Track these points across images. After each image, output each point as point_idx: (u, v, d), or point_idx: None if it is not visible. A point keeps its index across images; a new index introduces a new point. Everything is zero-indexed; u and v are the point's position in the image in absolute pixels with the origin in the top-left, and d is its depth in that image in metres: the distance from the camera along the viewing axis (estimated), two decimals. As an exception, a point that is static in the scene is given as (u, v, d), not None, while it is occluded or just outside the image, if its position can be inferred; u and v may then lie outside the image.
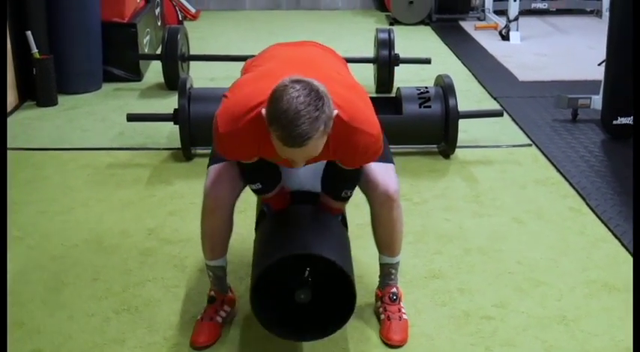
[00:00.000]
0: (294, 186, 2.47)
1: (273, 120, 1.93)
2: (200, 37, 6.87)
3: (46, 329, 2.54)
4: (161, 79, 5.32)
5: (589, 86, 4.89)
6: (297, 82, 1.94)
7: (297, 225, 2.35)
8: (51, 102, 4.98)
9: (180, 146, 3.92)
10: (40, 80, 4.93)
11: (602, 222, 3.31)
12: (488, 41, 7.02)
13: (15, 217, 3.30)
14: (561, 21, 7.99)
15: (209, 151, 2.52)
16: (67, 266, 2.94)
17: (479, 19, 8.03)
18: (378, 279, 2.64)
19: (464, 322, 2.59)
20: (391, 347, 2.46)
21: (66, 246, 3.10)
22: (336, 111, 2.00)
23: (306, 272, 2.26)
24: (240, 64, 2.59)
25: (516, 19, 7.04)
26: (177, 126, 3.87)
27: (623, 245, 3.11)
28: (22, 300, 2.69)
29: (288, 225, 2.37)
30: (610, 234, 3.21)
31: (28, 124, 4.63)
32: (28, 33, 4.86)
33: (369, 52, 5.47)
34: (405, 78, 5.21)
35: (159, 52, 5.55)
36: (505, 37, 7.04)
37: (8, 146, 3.92)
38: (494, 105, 4.95)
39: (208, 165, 2.44)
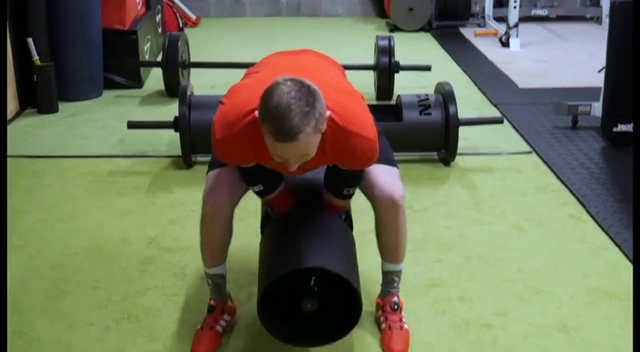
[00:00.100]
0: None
1: (265, 116, 1.94)
2: (201, 43, 6.87)
3: (46, 338, 2.53)
4: (162, 86, 5.32)
5: (589, 93, 4.90)
6: (289, 79, 1.96)
7: (302, 234, 2.35)
8: (52, 109, 4.99)
9: (180, 153, 3.92)
10: (40, 87, 4.93)
11: (603, 229, 3.31)
12: (489, 48, 7.03)
13: (15, 225, 3.30)
14: (561, 28, 8.00)
15: (209, 159, 2.52)
16: (67, 274, 2.94)
17: (479, 25, 8.05)
18: (379, 288, 2.64)
19: (464, 330, 2.59)
20: (392, 356, 2.45)
21: (66, 254, 3.10)
22: (329, 112, 2.01)
23: (312, 282, 2.27)
24: (241, 71, 2.59)
25: (516, 25, 7.05)
26: (178, 133, 3.88)
27: (623, 252, 3.10)
28: (22, 309, 2.69)
29: (293, 234, 2.36)
30: (610, 241, 3.21)
31: (28, 132, 4.63)
32: (29, 40, 4.86)
33: (370, 59, 5.48)
34: (405, 85, 5.22)
35: (159, 59, 5.55)
36: (505, 44, 7.06)
37: (9, 153, 3.93)
38: (494, 112, 4.96)
39: (207, 172, 2.45)
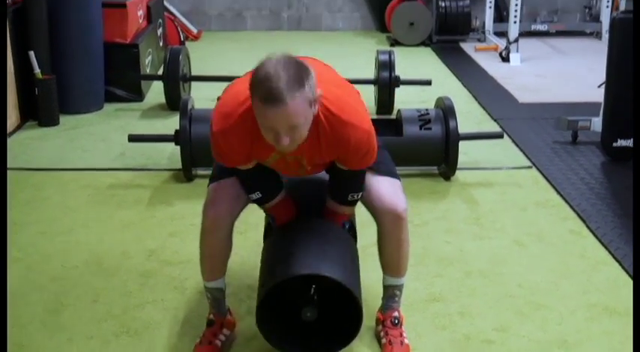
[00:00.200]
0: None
1: (254, 85, 1.97)
2: (202, 57, 6.89)
3: (46, 352, 2.53)
4: (162, 100, 5.33)
5: (589, 108, 4.91)
6: (280, 54, 2.00)
7: (303, 241, 2.34)
8: (52, 122, 5.00)
9: (181, 167, 3.93)
10: (42, 100, 4.95)
11: (603, 244, 3.31)
12: (489, 63, 7.06)
13: (15, 238, 3.30)
14: (561, 43, 8.03)
15: (210, 172, 2.52)
16: (67, 287, 2.93)
17: (479, 40, 8.07)
18: (379, 302, 2.63)
19: (464, 346, 2.58)
20: (392, 371, 2.45)
21: (66, 267, 3.10)
22: (320, 91, 2.04)
23: (312, 290, 2.26)
24: (242, 86, 2.60)
25: (516, 40, 7.08)
26: (179, 146, 3.88)
27: (623, 268, 3.10)
28: (22, 322, 2.68)
29: (294, 241, 2.35)
30: (610, 256, 3.20)
31: (29, 144, 4.64)
32: (31, 53, 4.88)
33: (370, 74, 5.49)
34: (406, 99, 5.23)
35: (160, 72, 5.57)
36: (505, 59, 7.08)
37: (9, 166, 3.93)
38: (494, 127, 4.97)
39: (208, 184, 2.45)
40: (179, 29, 7.60)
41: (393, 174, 2.45)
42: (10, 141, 4.64)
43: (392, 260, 2.52)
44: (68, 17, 5.10)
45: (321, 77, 2.09)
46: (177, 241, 3.33)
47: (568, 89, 6.05)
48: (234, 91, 2.19)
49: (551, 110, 5.30)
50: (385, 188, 2.39)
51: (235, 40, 8.12)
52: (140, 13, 6.07)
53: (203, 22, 8.60)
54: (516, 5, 6.97)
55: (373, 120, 2.34)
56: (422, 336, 2.63)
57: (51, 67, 5.05)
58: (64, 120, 5.08)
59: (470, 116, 5.21)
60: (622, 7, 4.33)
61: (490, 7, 7.95)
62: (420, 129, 3.95)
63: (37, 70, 4.90)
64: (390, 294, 2.58)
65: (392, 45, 7.83)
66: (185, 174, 3.94)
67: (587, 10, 8.58)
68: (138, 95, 5.62)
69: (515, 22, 7.01)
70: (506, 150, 4.54)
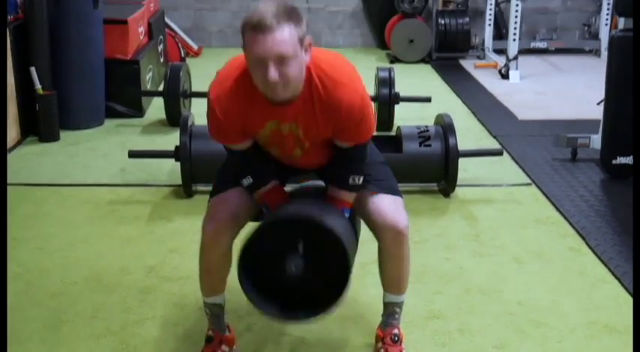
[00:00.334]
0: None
1: (244, 23, 2.06)
2: (202, 73, 6.86)
3: (44, 368, 2.52)
4: (163, 116, 5.35)
5: (588, 125, 4.92)
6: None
7: (297, 202, 2.29)
8: (53, 137, 5.01)
9: (181, 183, 3.93)
10: (42, 116, 4.96)
11: (602, 262, 3.31)
12: (488, 80, 7.08)
13: (14, 253, 3.29)
14: (560, 60, 8.06)
15: (210, 188, 2.52)
16: (66, 303, 2.93)
17: (479, 57, 8.11)
18: (379, 319, 2.62)
19: (464, 363, 2.58)
20: (391, 388, 2.44)
21: (65, 282, 3.10)
22: (309, 38, 2.10)
23: (299, 243, 2.17)
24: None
25: (516, 58, 7.10)
26: (179, 163, 3.89)
27: (623, 285, 3.09)
28: (21, 338, 2.67)
29: (286, 206, 2.30)
30: (610, 274, 3.20)
31: (29, 160, 4.65)
32: (32, 69, 4.90)
33: (370, 90, 5.49)
34: (406, 116, 5.25)
35: (161, 88, 5.59)
36: (505, 76, 7.10)
37: (9, 181, 3.93)
38: (493, 144, 4.98)
39: (209, 199, 2.44)
40: (180, 45, 7.63)
41: (395, 191, 2.44)
42: (11, 157, 4.65)
43: (392, 277, 2.51)
44: (69, 33, 5.13)
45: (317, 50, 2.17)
46: (177, 257, 3.32)
47: (567, 106, 6.07)
48: (231, 62, 2.27)
49: (550, 127, 5.32)
50: (387, 204, 2.38)
51: (236, 57, 8.13)
52: (141, 29, 6.10)
53: (204, 39, 8.64)
54: (516, 23, 7.00)
55: (372, 137, 2.35)
56: (421, 353, 2.62)
57: (52, 83, 5.07)
58: (65, 135, 5.09)
59: (469, 133, 5.22)
60: (620, 25, 4.34)
61: (489, 25, 8.00)
62: (420, 146, 3.96)
63: (38, 86, 4.92)
64: (390, 311, 2.57)
65: (392, 62, 7.87)
66: (185, 190, 3.95)
67: (586, 28, 8.63)
68: (138, 111, 5.63)
69: (514, 40, 7.04)
70: (505, 167, 4.55)
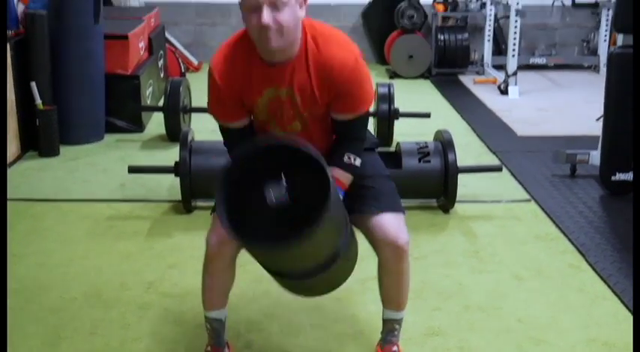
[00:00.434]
0: None
1: None
2: (202, 88, 6.85)
3: (43, 385, 2.51)
4: (163, 131, 5.36)
5: (587, 141, 4.93)
6: None
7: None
8: (53, 152, 5.02)
9: (180, 198, 3.93)
10: (42, 131, 4.97)
11: (602, 278, 3.30)
12: (487, 95, 7.10)
13: (13, 269, 3.29)
14: (559, 76, 8.08)
15: (210, 204, 2.52)
16: (65, 319, 2.92)
17: (478, 73, 8.13)
18: (378, 336, 2.62)
19: (464, 381, 2.57)
20: (390, 406, 2.44)
21: (64, 298, 3.09)
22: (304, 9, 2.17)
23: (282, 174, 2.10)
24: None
25: (515, 73, 7.12)
26: (178, 178, 3.89)
27: (622, 302, 3.09)
28: (19, 354, 2.67)
29: None
30: (610, 291, 3.20)
31: (29, 175, 4.65)
32: (32, 84, 4.91)
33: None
34: (405, 131, 5.25)
35: (161, 103, 5.60)
36: (504, 92, 7.12)
37: (9, 197, 3.93)
38: (493, 160, 4.98)
39: (211, 212, 2.43)
40: (180, 61, 7.65)
41: (397, 207, 2.43)
42: (11, 172, 4.65)
43: (392, 293, 2.50)
44: (70, 48, 5.14)
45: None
46: (176, 273, 3.32)
47: (566, 122, 6.08)
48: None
49: (549, 143, 5.32)
50: (388, 220, 2.37)
51: (236, 72, 8.15)
52: (141, 44, 6.12)
53: (204, 54, 8.64)
54: (515, 39, 7.03)
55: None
56: (421, 371, 2.61)
57: (52, 98, 5.08)
58: (65, 150, 5.10)
59: (469, 149, 5.23)
60: (619, 41, 4.36)
61: (489, 41, 8.03)
62: (419, 161, 3.97)
63: (39, 101, 4.93)
64: (390, 328, 2.57)
65: (391, 77, 7.89)
66: (185, 205, 3.95)
67: (584, 44, 8.66)
68: (138, 126, 5.64)
69: (513, 56, 7.06)
70: (505, 183, 4.55)
